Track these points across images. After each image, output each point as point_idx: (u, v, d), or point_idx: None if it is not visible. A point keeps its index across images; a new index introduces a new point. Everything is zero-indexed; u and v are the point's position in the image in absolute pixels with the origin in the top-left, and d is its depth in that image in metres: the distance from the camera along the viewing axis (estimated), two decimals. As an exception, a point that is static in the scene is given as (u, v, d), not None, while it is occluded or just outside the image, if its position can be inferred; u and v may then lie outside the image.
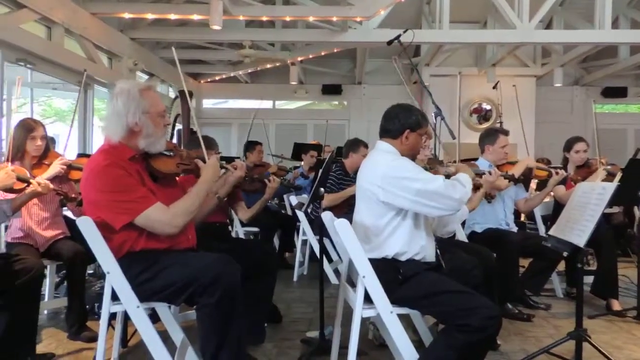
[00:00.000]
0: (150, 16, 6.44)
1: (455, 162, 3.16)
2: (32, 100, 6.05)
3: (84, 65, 6.04)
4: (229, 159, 3.85)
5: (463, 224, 3.63)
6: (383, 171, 2.19)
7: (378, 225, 2.22)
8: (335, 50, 8.37)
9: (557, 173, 3.71)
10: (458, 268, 2.37)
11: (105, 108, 7.23)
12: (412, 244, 2.23)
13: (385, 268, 2.17)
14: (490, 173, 3.14)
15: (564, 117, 9.88)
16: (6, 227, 3.14)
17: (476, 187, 2.99)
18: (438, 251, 2.36)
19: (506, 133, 3.71)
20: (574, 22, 7.63)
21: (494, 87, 6.67)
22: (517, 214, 4.20)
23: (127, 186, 2.01)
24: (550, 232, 2.70)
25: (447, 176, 2.40)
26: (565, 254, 2.69)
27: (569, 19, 7.78)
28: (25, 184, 2.67)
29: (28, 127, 3.01)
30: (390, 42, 3.84)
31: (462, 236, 3.57)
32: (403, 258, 2.21)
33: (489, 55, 8.81)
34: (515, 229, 3.79)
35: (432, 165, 3.32)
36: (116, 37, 6.75)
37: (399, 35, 3.78)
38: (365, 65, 9.68)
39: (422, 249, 2.25)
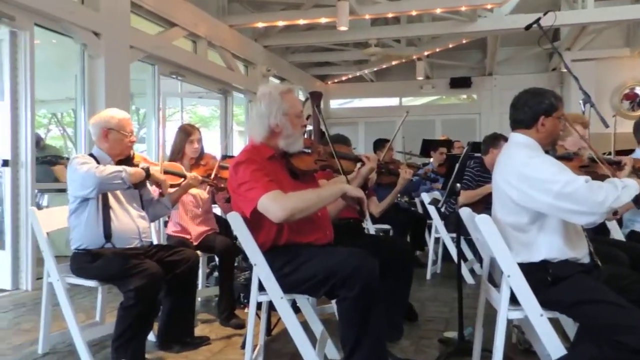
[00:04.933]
0: (280, 23, 6.78)
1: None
2: (182, 109, 6.72)
3: (224, 75, 6.58)
4: None
5: (620, 222, 3.25)
6: (518, 169, 2.00)
7: (518, 226, 2.05)
8: (463, 42, 8.05)
9: None
10: (617, 278, 2.09)
11: (244, 113, 7.78)
12: (564, 248, 2.01)
13: (532, 269, 2.01)
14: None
15: None
16: (165, 223, 3.54)
17: None
18: (591, 249, 2.13)
19: None
20: None
21: (653, 68, 5.89)
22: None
23: (255, 177, 2.10)
24: None
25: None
26: None
27: None
28: (182, 179, 2.99)
29: (187, 132, 3.37)
30: (528, 27, 3.57)
31: (618, 235, 3.20)
32: (554, 261, 2.02)
33: (644, 33, 7.81)
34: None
35: (580, 153, 3.03)
36: (251, 46, 7.23)
37: (539, 19, 3.49)
38: (496, 55, 9.16)
39: (577, 251, 2.03)
